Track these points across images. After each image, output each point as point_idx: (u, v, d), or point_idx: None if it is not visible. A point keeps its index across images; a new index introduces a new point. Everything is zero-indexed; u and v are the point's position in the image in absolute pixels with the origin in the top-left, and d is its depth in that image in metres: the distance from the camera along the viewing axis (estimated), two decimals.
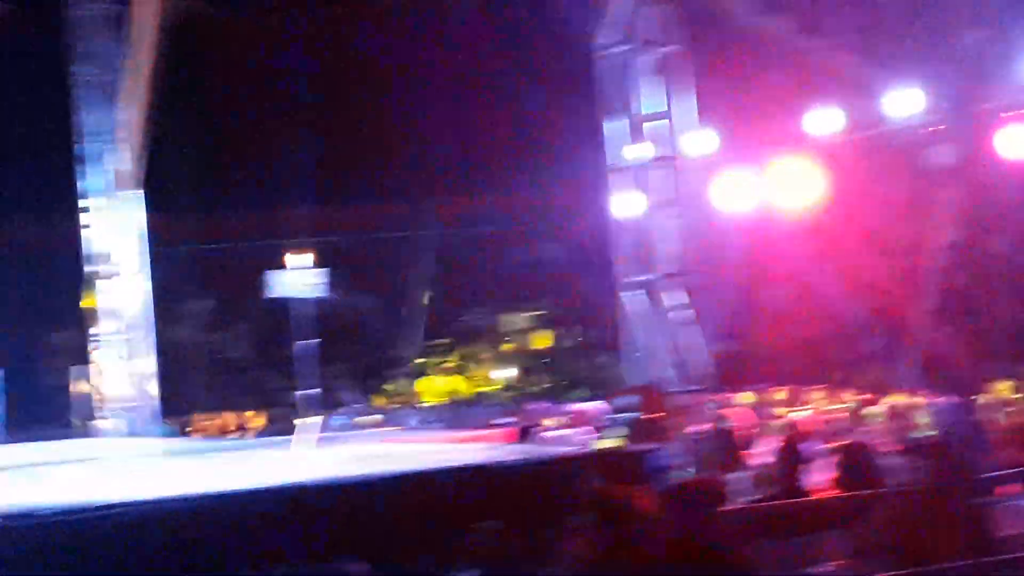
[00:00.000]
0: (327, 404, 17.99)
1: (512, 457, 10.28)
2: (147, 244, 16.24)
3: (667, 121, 12.05)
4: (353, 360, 20.85)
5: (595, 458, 7.90)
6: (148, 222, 16.47)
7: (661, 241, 11.78)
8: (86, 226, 15.82)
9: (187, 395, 19.97)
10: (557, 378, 19.65)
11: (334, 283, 21.95)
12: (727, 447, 10.16)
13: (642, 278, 11.88)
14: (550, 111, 20.53)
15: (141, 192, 15.61)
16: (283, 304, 20.90)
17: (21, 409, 11.33)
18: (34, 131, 19.82)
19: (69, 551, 6.92)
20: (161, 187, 17.46)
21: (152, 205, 17.19)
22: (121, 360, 16.02)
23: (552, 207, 22.13)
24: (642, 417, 11.56)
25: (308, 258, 12.78)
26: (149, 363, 16.41)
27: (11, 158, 19.87)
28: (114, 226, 15.36)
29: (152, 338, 16.29)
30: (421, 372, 19.77)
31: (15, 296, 10.75)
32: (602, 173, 14.45)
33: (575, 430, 13.93)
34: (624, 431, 11.60)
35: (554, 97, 20.20)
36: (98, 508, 7.37)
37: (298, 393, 19.23)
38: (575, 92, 17.99)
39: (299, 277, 11.68)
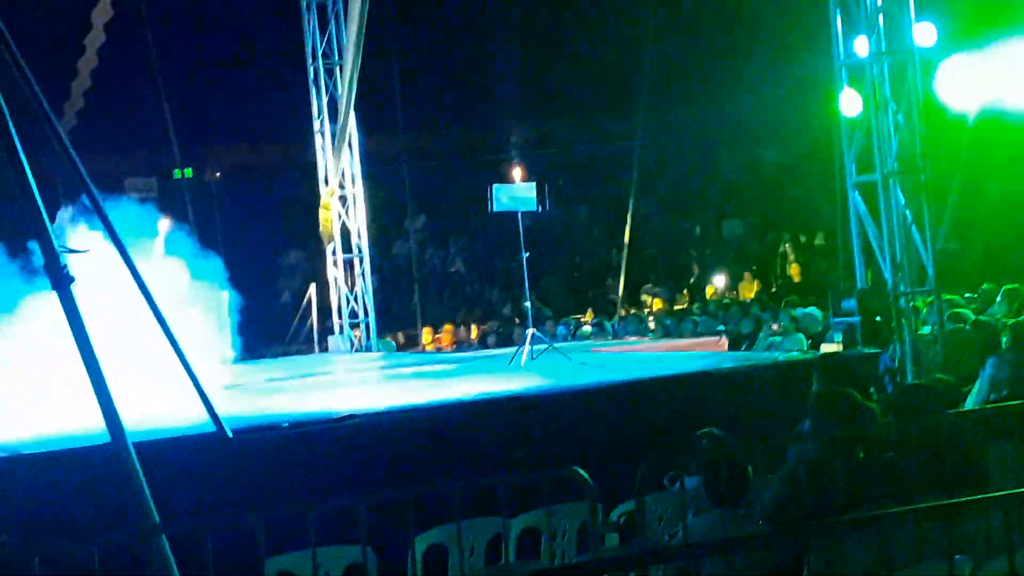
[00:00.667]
0: (544, 316, 18.25)
1: (731, 363, 10.29)
2: (361, 164, 16.68)
3: (885, 13, 11.60)
4: (569, 272, 21.04)
5: (818, 362, 7.81)
6: (366, 143, 16.92)
7: (886, 139, 11.43)
8: (321, 147, 16.37)
9: (406, 311, 20.57)
10: (768, 285, 19.43)
11: (550, 196, 22.22)
12: (957, 349, 9.92)
13: (867, 178, 11.56)
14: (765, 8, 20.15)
15: (353, 114, 15.98)
16: (499, 218, 21.31)
17: (256, 328, 11.84)
18: (268, 53, 20.63)
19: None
20: (379, 107, 17.88)
21: (370, 125, 17.63)
22: (345, 278, 16.57)
23: (771, 109, 21.82)
24: (864, 320, 11.33)
25: (521, 172, 12.93)
26: (369, 280, 16.92)
27: (247, 80, 20.73)
28: (337, 147, 15.80)
29: (368, 256, 16.77)
30: (635, 282, 19.81)
31: (252, 216, 11.23)
32: (821, 72, 14.11)
33: (794, 336, 13.82)
34: (847, 335, 11.42)
35: None
36: (339, 418, 7.78)
37: (516, 305, 19.59)
38: None
39: (514, 191, 11.81)
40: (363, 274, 16.71)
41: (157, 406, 8.24)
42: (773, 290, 19.10)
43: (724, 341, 14.39)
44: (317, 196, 16.39)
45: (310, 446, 7.43)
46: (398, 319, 20.49)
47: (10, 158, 6.18)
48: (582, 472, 5.76)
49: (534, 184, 12.01)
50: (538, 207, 12.50)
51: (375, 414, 8.11)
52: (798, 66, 19.21)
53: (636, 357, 11.63)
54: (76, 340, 5.93)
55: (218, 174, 13.40)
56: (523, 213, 12.53)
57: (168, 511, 5.72)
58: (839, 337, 11.46)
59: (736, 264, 20.22)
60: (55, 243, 6.10)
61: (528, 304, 12.53)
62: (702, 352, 12.40)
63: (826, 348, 11.45)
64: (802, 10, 17.88)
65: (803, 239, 20.23)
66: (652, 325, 16.43)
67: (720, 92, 21.66)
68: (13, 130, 6.21)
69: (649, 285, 19.15)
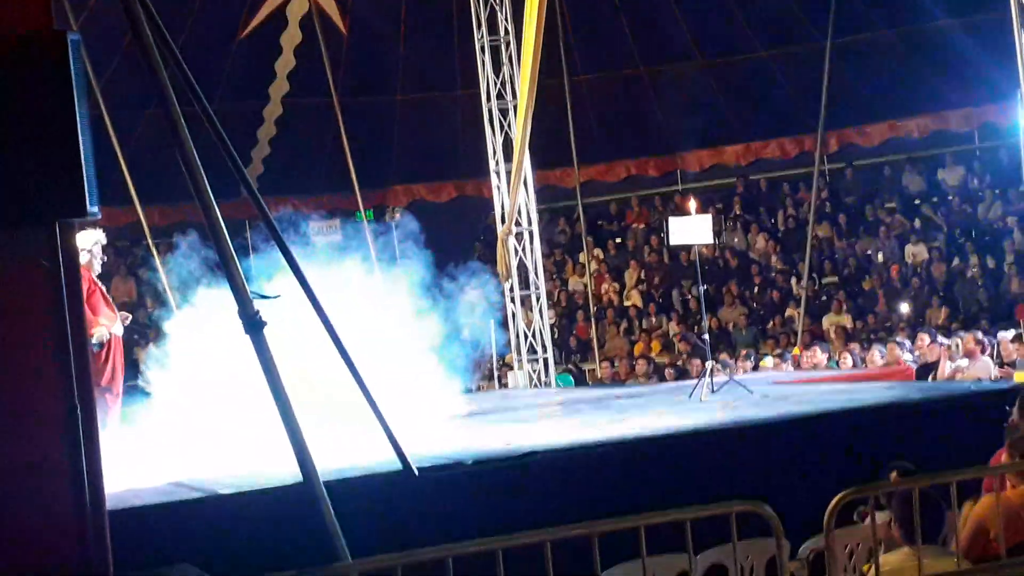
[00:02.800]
0: (722, 347, 18.09)
1: (919, 394, 10.03)
2: (534, 201, 16.89)
3: None
4: (747, 302, 20.80)
5: (1012, 392, 7.58)
6: (541, 180, 17.13)
7: None
8: (497, 187, 16.66)
9: (584, 345, 20.62)
10: (956, 311, 18.86)
11: (725, 225, 22.07)
12: None
13: None
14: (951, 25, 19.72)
15: (527, 152, 16.19)
16: (673, 250, 21.23)
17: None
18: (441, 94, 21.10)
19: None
20: (547, 144, 18.05)
21: (544, 162, 17.82)
22: (522, 313, 16.74)
23: (951, 131, 21.33)
24: None
25: (696, 204, 12.88)
26: (546, 314, 17.06)
27: (425, 121, 21.22)
28: (513, 186, 16.03)
29: (544, 291, 16.93)
30: (816, 311, 19.46)
31: (432, 254, 11.45)
32: (1004, 93, 13.77)
33: (982, 363, 13.40)
34: None
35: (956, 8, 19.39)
36: (522, 455, 7.88)
37: (692, 337, 19.45)
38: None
39: (690, 223, 11.76)
40: (540, 309, 16.85)
41: (347, 446, 8.47)
42: (962, 316, 18.53)
43: (911, 370, 14.04)
44: (495, 234, 16.62)
45: (494, 483, 7.52)
46: (576, 353, 20.56)
47: (203, 208, 6.46)
48: (768, 507, 5.70)
49: (710, 216, 11.95)
50: (714, 239, 12.44)
51: (556, 450, 8.16)
52: (979, 86, 18.78)
53: (819, 389, 11.42)
54: (269, 383, 6.15)
55: (398, 215, 13.72)
56: (699, 244, 12.47)
57: (358, 550, 5.86)
58: None
59: (922, 290, 19.70)
60: (248, 289, 6.33)
61: (706, 336, 12.45)
62: (888, 383, 12.10)
63: (1019, 377, 11.07)
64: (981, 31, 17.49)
65: (991, 263, 19.60)
66: (835, 356, 16.11)
67: (899, 111, 21.27)
68: (205, 181, 6.49)
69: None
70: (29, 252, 5.86)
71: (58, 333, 5.87)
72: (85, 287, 9.40)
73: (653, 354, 18.14)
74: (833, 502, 5.63)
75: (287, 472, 6.67)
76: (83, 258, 9.45)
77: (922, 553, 5.56)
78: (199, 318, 10.02)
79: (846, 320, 19.13)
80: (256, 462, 8.41)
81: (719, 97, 21.85)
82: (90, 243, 9.54)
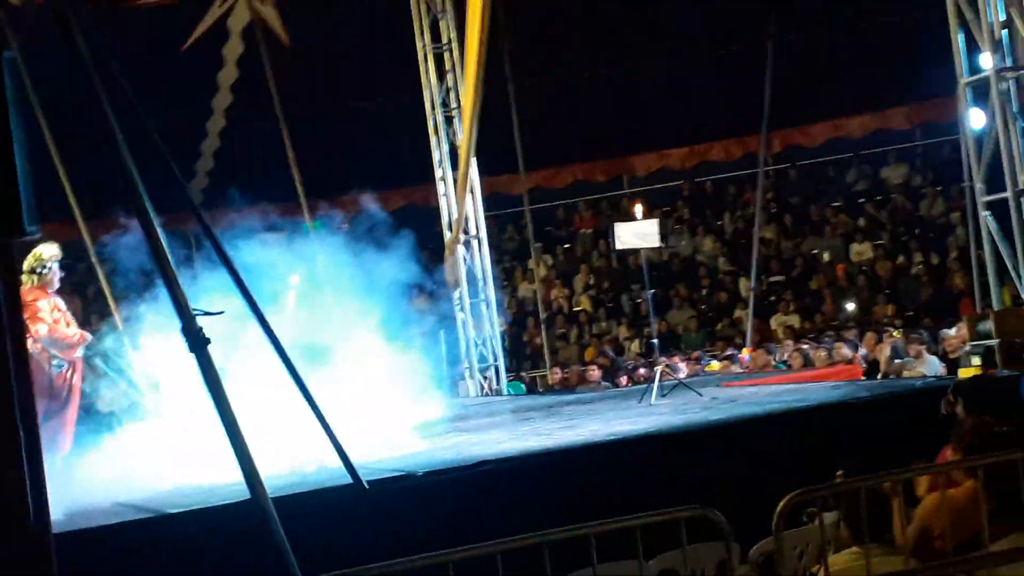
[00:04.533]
0: (671, 351, 18.15)
1: (866, 392, 10.11)
2: (481, 209, 16.88)
3: (1010, 28, 11.40)
4: (696, 304, 20.91)
5: (959, 387, 7.65)
6: (485, 186, 17.11)
7: (1014, 157, 11.21)
8: (443, 194, 16.64)
9: (531, 351, 20.64)
10: (902, 307, 19.06)
11: (672, 227, 22.16)
12: None
13: (999, 196, 11.31)
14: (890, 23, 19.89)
15: (474, 159, 16.19)
16: (621, 254, 21.28)
17: None
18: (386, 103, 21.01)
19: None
20: (493, 151, 18.04)
21: (491, 169, 17.81)
22: (473, 321, 16.72)
23: (893, 129, 21.54)
24: (1004, 341, 11.05)
25: (643, 208, 12.91)
26: (496, 322, 17.05)
27: (370, 130, 21.13)
28: (459, 194, 16.03)
29: (493, 298, 16.92)
30: (764, 311, 19.59)
31: (379, 264, 11.39)
32: (944, 90, 13.92)
33: (928, 360, 13.52)
34: (984, 358, 11.15)
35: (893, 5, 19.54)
36: (472, 464, 7.87)
37: (641, 342, 19.52)
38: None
39: (637, 228, 11.79)
40: (490, 318, 16.84)
41: (294, 460, 8.41)
42: (909, 313, 18.72)
43: (858, 368, 14.15)
44: (442, 243, 16.60)
45: (445, 494, 7.51)
46: (526, 360, 20.57)
47: (143, 224, 6.40)
48: (716, 512, 5.71)
49: (656, 220, 11.99)
50: (661, 243, 12.47)
51: (507, 459, 8.15)
52: (920, 83, 18.95)
53: (768, 390, 11.48)
54: (214, 400, 6.10)
55: (345, 224, 13.64)
56: (647, 248, 12.51)
57: (310, 565, 5.82)
58: (977, 360, 11.18)
59: (868, 288, 19.89)
60: (190, 306, 6.28)
61: (655, 340, 12.49)
62: (836, 381, 12.19)
63: (964, 373, 11.18)
64: (919, 28, 17.69)
65: (935, 260, 19.82)
66: (784, 355, 16.22)
67: (842, 109, 21.44)
68: (145, 196, 6.43)
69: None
70: None
71: None
72: (46, 305, 9.30)
73: (602, 359, 18.14)
74: (781, 504, 5.66)
75: (237, 490, 6.61)
76: (45, 275, 9.37)
77: (870, 552, 5.59)
78: (147, 335, 9.93)
79: (794, 320, 19.28)
80: (207, 480, 8.35)
81: (664, 99, 21.92)
82: (48, 259, 9.44)
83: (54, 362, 9.35)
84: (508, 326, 20.69)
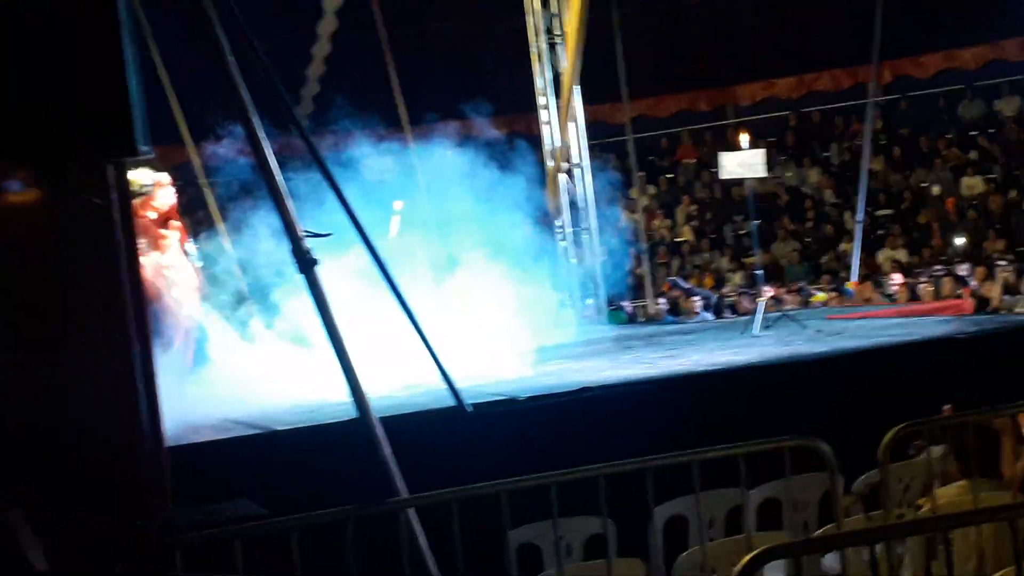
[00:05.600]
0: (774, 283, 17.96)
1: (976, 328, 9.93)
2: (584, 138, 16.76)
3: None
4: (800, 236, 20.64)
5: None
6: (587, 115, 16.99)
7: None
8: (546, 123, 16.55)
9: (635, 282, 20.55)
10: (1013, 242, 18.59)
11: (778, 158, 21.84)
12: None
13: None
14: None
15: (577, 87, 16.07)
16: (724, 185, 21.05)
17: None
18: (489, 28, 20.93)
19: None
20: (603, 78, 17.87)
21: (594, 98, 17.66)
22: (575, 251, 16.69)
23: (1007, 60, 20.93)
24: None
25: (748, 137, 12.73)
26: (598, 252, 17.00)
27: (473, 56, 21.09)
28: (562, 122, 15.94)
29: (595, 228, 16.85)
30: (870, 245, 19.26)
31: (481, 193, 11.41)
32: None
33: None
34: None
35: None
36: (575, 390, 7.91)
37: (743, 273, 19.35)
38: None
39: (742, 158, 11.64)
40: (591, 246, 16.78)
41: (400, 381, 8.52)
42: (1020, 248, 18.27)
43: (969, 303, 13.89)
44: (544, 171, 16.54)
45: (548, 419, 7.55)
46: (628, 290, 20.49)
47: (253, 147, 6.47)
48: (822, 442, 5.68)
49: (762, 151, 11.81)
50: (767, 173, 12.31)
51: (609, 385, 8.17)
52: None
53: (874, 323, 11.32)
54: (323, 320, 6.18)
55: (448, 153, 13.66)
56: (752, 179, 12.35)
57: (414, 485, 5.91)
58: None
59: (978, 222, 19.44)
60: (299, 228, 6.35)
61: (759, 272, 12.36)
62: (944, 316, 11.98)
63: None
64: None
65: None
66: (891, 290, 15.97)
67: (955, 40, 20.89)
68: (255, 119, 6.49)
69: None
70: (82, 190, 5.91)
71: (112, 270, 5.93)
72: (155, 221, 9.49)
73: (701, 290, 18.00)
74: (888, 436, 5.62)
75: (344, 409, 6.72)
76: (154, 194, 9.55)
77: (978, 486, 5.53)
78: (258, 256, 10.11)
79: (901, 254, 18.94)
80: (315, 399, 8.50)
81: (771, 28, 21.51)
82: (148, 181, 9.61)
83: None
84: (608, 255, 20.62)
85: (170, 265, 9.47)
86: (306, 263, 6.32)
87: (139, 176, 9.40)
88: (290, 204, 6.36)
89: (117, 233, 6.00)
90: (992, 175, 20.25)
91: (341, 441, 6.80)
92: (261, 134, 6.45)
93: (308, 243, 6.42)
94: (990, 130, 21.39)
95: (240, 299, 10.40)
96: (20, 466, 5.39)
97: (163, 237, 9.57)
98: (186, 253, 9.71)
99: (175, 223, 9.75)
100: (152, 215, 9.57)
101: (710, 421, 7.56)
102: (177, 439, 6.60)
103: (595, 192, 16.85)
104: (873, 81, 18.33)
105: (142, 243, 9.34)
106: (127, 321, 5.96)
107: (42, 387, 5.74)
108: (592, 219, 16.81)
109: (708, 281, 19.86)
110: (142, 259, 9.08)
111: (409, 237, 11.91)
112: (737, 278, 19.58)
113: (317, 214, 9.40)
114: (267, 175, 6.42)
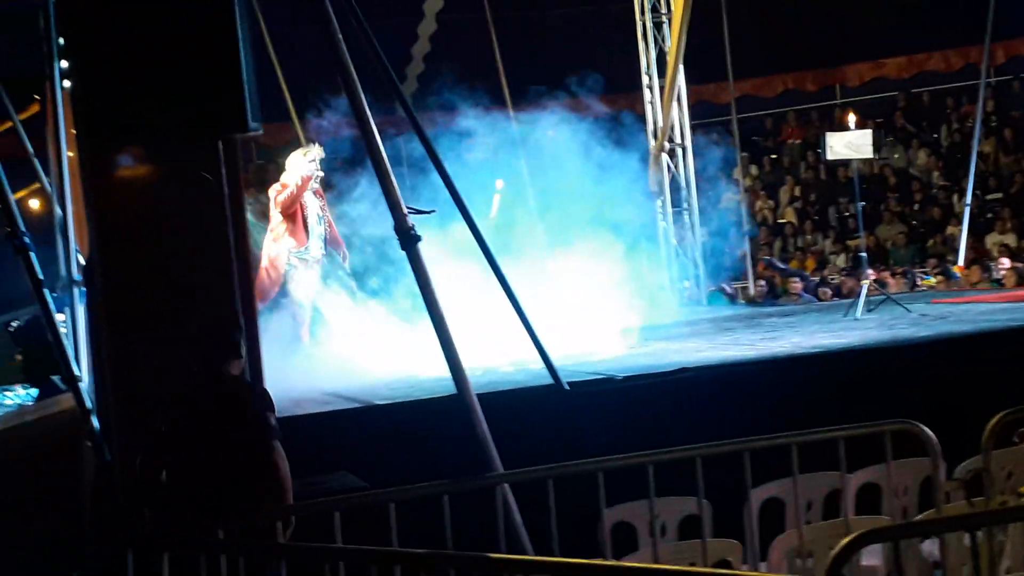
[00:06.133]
0: (879, 266, 17.70)
1: None
2: (688, 117, 16.67)
3: None
4: (907, 219, 20.29)
5: None
6: (692, 95, 16.90)
7: None
8: (647, 103, 16.50)
9: (731, 261, 20.37)
10: None
11: (885, 139, 21.50)
12: None
13: None
14: None
15: (681, 67, 15.97)
16: (830, 166, 20.76)
17: None
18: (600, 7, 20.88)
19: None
20: (701, 59, 17.73)
21: (698, 77, 17.55)
22: (676, 231, 16.63)
23: None
24: None
25: (856, 118, 12.57)
26: (699, 233, 16.92)
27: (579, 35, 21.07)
28: (666, 102, 15.88)
29: (696, 208, 16.77)
30: (978, 229, 18.88)
31: (583, 172, 11.44)
32: None
33: None
34: None
35: None
36: (672, 371, 7.91)
37: (847, 256, 19.09)
38: None
39: (849, 138, 11.48)
40: (692, 227, 16.71)
41: (500, 359, 8.59)
42: None
43: None
44: (647, 151, 16.47)
45: (645, 398, 7.57)
46: (729, 272, 20.32)
47: (360, 124, 6.57)
48: (924, 427, 5.62)
49: (870, 131, 11.65)
50: (874, 154, 12.13)
51: (707, 367, 8.15)
52: None
53: (980, 308, 11.12)
54: (424, 297, 6.27)
55: (551, 132, 13.70)
56: (858, 160, 12.18)
57: (510, 461, 5.98)
58: None
59: None
60: (403, 204, 6.44)
61: (864, 254, 12.19)
62: None
63: None
64: None
65: None
66: (998, 274, 15.64)
67: None
68: (362, 96, 6.59)
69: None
70: (194, 165, 6.05)
71: (221, 244, 6.06)
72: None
73: (797, 274, 17.81)
74: (992, 422, 5.54)
75: (443, 384, 6.80)
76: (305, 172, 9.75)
77: None
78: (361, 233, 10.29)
79: (1011, 239, 18.52)
80: (416, 374, 8.61)
81: (881, 6, 21.13)
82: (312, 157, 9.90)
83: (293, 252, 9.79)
84: (710, 235, 20.48)
85: (298, 245, 9.73)
86: (409, 239, 6.41)
87: (313, 152, 9.73)
88: (394, 181, 6.45)
89: (226, 207, 6.15)
90: None
91: (440, 416, 6.89)
92: (367, 111, 6.55)
93: (411, 220, 6.51)
94: None
95: (348, 276, 10.55)
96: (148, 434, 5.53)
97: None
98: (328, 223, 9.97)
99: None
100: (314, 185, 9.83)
101: (809, 404, 7.51)
102: (281, 412, 6.73)
103: (698, 173, 16.76)
104: (985, 61, 17.91)
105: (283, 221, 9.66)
106: (234, 294, 6.11)
107: (154, 359, 5.90)
108: (694, 200, 16.74)
109: (810, 263, 19.63)
110: (276, 242, 9.43)
111: (511, 215, 11.98)
112: (840, 260, 19.33)
113: (421, 192, 9.54)
114: (373, 152, 6.52)
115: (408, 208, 6.46)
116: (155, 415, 5.45)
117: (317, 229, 9.94)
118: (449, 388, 6.45)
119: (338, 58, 6.45)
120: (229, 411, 5.42)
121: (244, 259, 6.29)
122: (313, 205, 9.97)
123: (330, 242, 10.10)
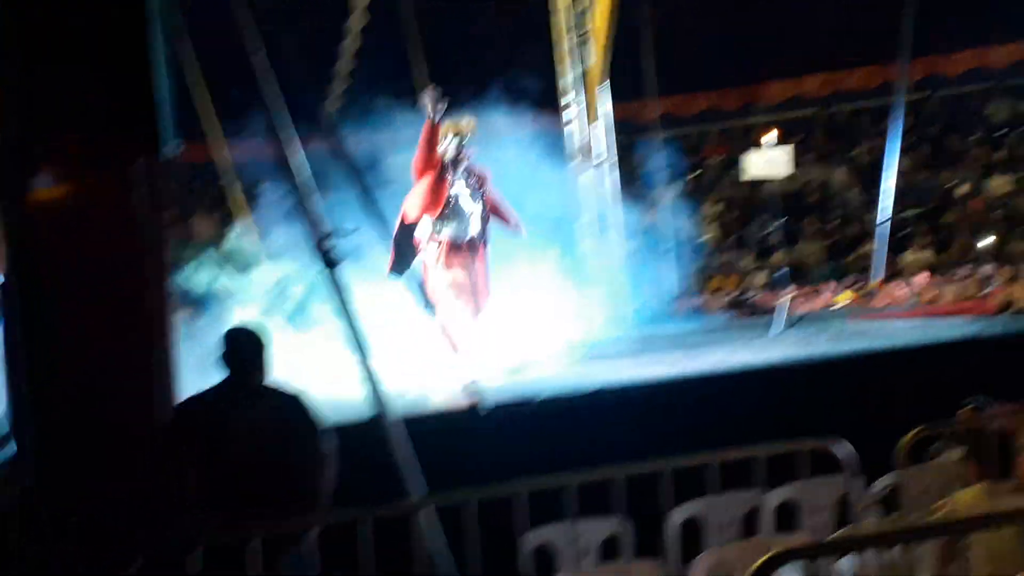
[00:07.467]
0: (800, 282, 17.90)
1: (999, 330, 9.90)
2: (611, 135, 16.78)
3: None
4: (825, 235, 20.55)
5: None
6: (617, 112, 17.00)
7: None
8: (568, 121, 16.58)
9: (655, 280, 20.49)
10: None
11: (803, 158, 21.77)
12: None
13: None
14: None
15: (605, 84, 16.09)
16: (750, 183, 20.98)
17: None
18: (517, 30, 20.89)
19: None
20: (626, 77, 17.84)
21: (619, 95, 17.64)
22: (599, 248, 16.70)
23: None
24: None
25: (774, 135, 12.72)
26: (622, 249, 17.00)
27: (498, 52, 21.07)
28: (588, 119, 15.98)
29: (621, 224, 16.86)
30: (896, 245, 19.16)
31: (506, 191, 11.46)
32: None
33: None
34: None
35: None
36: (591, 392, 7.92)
37: (767, 272, 19.28)
38: None
39: (768, 156, 11.64)
40: (616, 243, 16.78)
41: (420, 381, 8.54)
42: None
43: (992, 304, 13.80)
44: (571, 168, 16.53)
45: (564, 419, 7.56)
46: (652, 288, 20.44)
47: (276, 143, 6.51)
48: (841, 444, 5.69)
49: (788, 149, 11.81)
50: (791, 172, 12.29)
51: (628, 387, 8.18)
52: None
53: (897, 324, 11.30)
54: (344, 319, 6.22)
55: (475, 148, 13.75)
56: (777, 177, 12.34)
57: (430, 485, 5.94)
58: None
59: (1005, 223, 19.32)
60: (323, 224, 6.39)
61: (784, 271, 12.34)
62: (968, 318, 11.93)
63: None
64: None
65: None
66: (915, 290, 15.89)
67: (986, 37, 20.80)
68: (280, 115, 6.53)
69: None
70: (110, 188, 5.96)
71: (135, 270, 5.98)
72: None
73: (727, 289, 17.98)
74: (906, 438, 5.62)
75: (361, 407, 6.75)
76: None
77: (995, 490, 5.51)
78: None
79: (927, 255, 18.84)
80: (333, 396, 8.52)
81: (799, 25, 21.42)
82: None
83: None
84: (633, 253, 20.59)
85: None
86: (330, 260, 6.35)
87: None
88: (314, 201, 6.40)
89: (144, 230, 6.05)
90: (1021, 175, 20.11)
91: (358, 441, 6.83)
92: (286, 130, 6.49)
93: (332, 240, 6.45)
94: (1020, 129, 21.25)
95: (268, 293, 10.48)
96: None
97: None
98: None
99: None
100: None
101: (728, 422, 7.56)
102: None
103: (621, 190, 16.86)
104: (902, 79, 18.22)
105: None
106: (150, 316, 6.02)
107: (74, 382, 5.81)
108: (618, 216, 16.82)
109: (732, 280, 19.80)
110: None
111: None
112: (761, 277, 19.53)
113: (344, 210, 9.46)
114: (290, 172, 6.46)
115: (330, 228, 6.41)
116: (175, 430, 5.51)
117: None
118: (369, 411, 6.40)
119: (255, 76, 6.39)
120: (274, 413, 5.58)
121: (161, 281, 6.20)
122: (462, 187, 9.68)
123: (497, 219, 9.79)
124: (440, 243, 9.42)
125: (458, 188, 9.60)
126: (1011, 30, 20.52)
